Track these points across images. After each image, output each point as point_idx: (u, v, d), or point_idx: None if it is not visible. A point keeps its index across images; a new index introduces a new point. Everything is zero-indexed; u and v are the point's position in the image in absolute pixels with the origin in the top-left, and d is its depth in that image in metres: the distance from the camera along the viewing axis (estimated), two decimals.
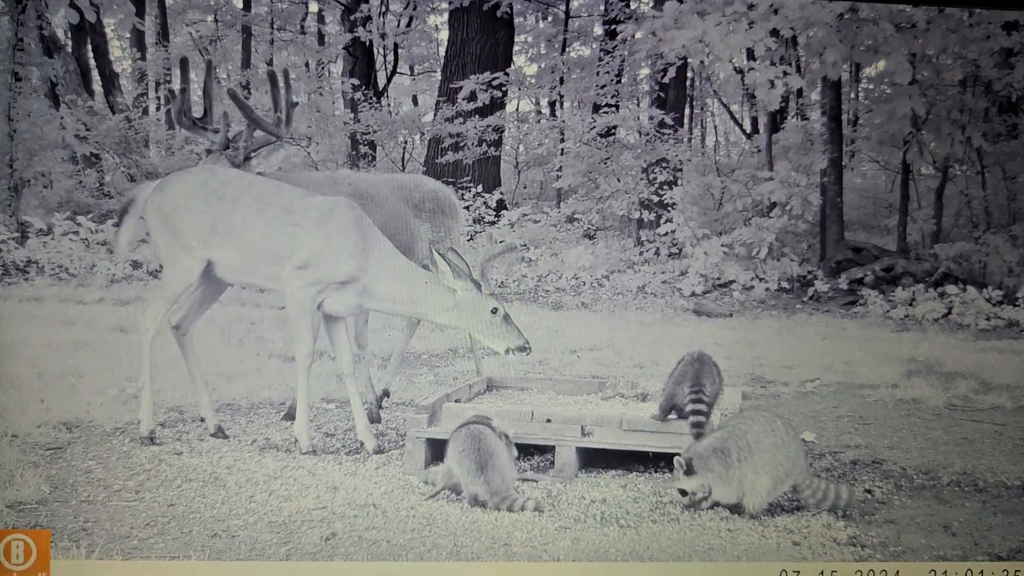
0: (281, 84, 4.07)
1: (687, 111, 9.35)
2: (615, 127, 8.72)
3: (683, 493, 3.06)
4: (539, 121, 9.65)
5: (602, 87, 8.75)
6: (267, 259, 3.65)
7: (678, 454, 3.11)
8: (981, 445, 3.90)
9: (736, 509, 3.05)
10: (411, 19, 9.22)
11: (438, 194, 4.37)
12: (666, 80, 8.28)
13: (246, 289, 7.18)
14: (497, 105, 8.72)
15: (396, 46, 9.37)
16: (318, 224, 3.63)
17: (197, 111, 4.15)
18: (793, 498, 3.08)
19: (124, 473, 3.33)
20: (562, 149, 8.89)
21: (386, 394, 4.39)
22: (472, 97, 8.50)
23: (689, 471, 3.04)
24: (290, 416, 4.01)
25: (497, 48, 8.63)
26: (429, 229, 4.27)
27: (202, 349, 3.93)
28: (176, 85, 3.98)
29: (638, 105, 9.23)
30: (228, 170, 3.89)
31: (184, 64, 4.15)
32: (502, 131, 8.78)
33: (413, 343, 4.55)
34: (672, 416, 3.45)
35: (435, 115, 8.86)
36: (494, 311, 3.60)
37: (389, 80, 9.56)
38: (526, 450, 3.51)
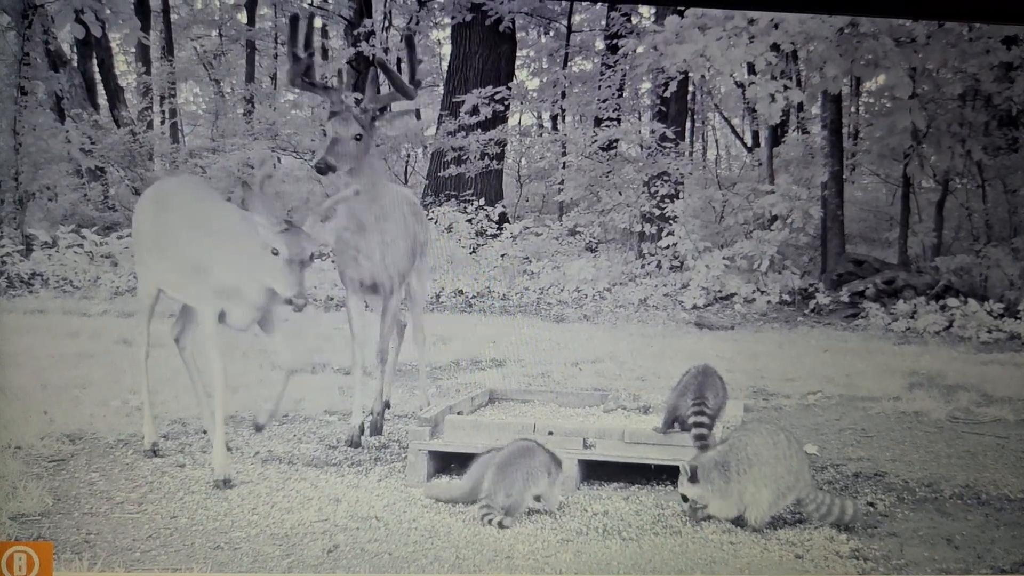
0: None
1: (688, 125, 9.40)
2: (617, 141, 8.76)
3: (685, 499, 3.07)
4: (541, 135, 9.69)
5: (604, 101, 8.80)
6: (189, 275, 3.45)
7: (681, 465, 3.11)
8: (983, 458, 3.90)
9: (738, 522, 3.04)
10: (414, 34, 9.29)
11: (411, 198, 4.41)
12: (667, 94, 8.33)
13: None
14: (499, 119, 8.76)
15: (399, 60, 9.42)
16: (215, 234, 3.42)
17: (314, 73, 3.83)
18: (797, 512, 3.08)
19: (127, 485, 3.33)
20: (564, 162, 8.93)
21: (387, 405, 4.39)
22: (474, 111, 8.54)
23: (693, 478, 3.04)
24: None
25: (499, 62, 8.69)
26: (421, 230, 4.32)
27: (205, 361, 3.94)
28: (296, 46, 3.68)
29: (639, 119, 9.27)
30: (183, 180, 3.80)
31: (302, 23, 3.78)
32: (504, 144, 8.82)
33: (414, 355, 4.54)
34: (675, 428, 3.45)
35: (438, 129, 8.91)
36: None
37: None
38: None
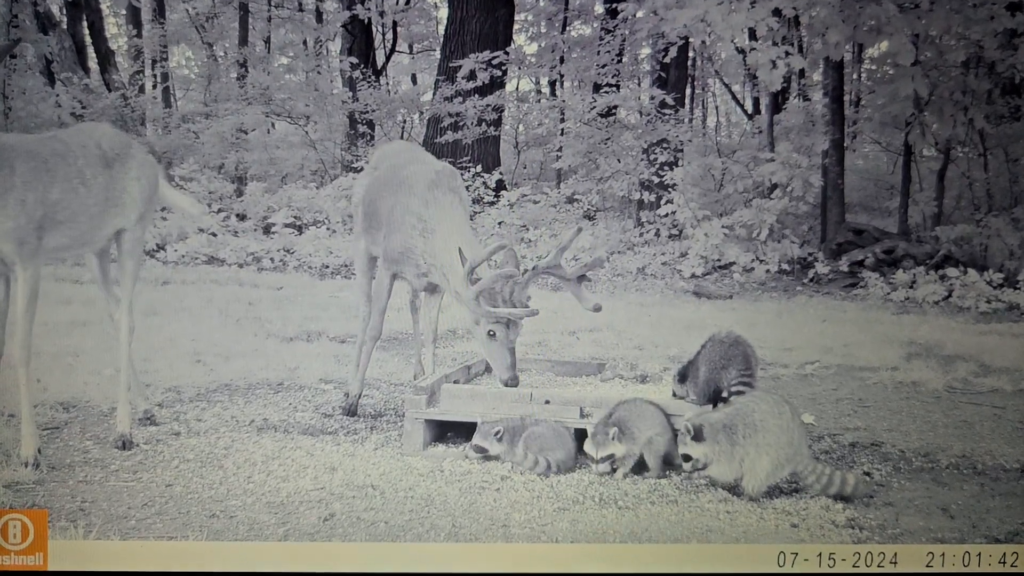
0: None
1: (688, 91, 9.29)
2: (616, 107, 8.67)
3: (687, 459, 3.03)
4: (539, 101, 9.58)
5: (603, 66, 8.68)
6: None
7: (683, 424, 3.07)
8: (980, 428, 3.90)
9: (735, 491, 3.04)
10: None
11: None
12: (667, 60, 8.22)
13: (244, 269, 7.15)
14: (497, 84, 8.65)
15: (395, 24, 9.29)
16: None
17: None
18: (794, 482, 3.07)
19: (121, 453, 3.31)
20: (562, 129, 8.84)
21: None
22: (471, 76, 8.43)
23: (697, 437, 3.01)
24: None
25: (497, 26, 8.55)
26: None
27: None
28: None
29: (639, 85, 9.16)
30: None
31: None
32: (502, 111, 8.72)
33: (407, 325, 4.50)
34: (691, 398, 3.43)
35: (434, 94, 8.80)
36: None
37: (388, 59, 9.48)
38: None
